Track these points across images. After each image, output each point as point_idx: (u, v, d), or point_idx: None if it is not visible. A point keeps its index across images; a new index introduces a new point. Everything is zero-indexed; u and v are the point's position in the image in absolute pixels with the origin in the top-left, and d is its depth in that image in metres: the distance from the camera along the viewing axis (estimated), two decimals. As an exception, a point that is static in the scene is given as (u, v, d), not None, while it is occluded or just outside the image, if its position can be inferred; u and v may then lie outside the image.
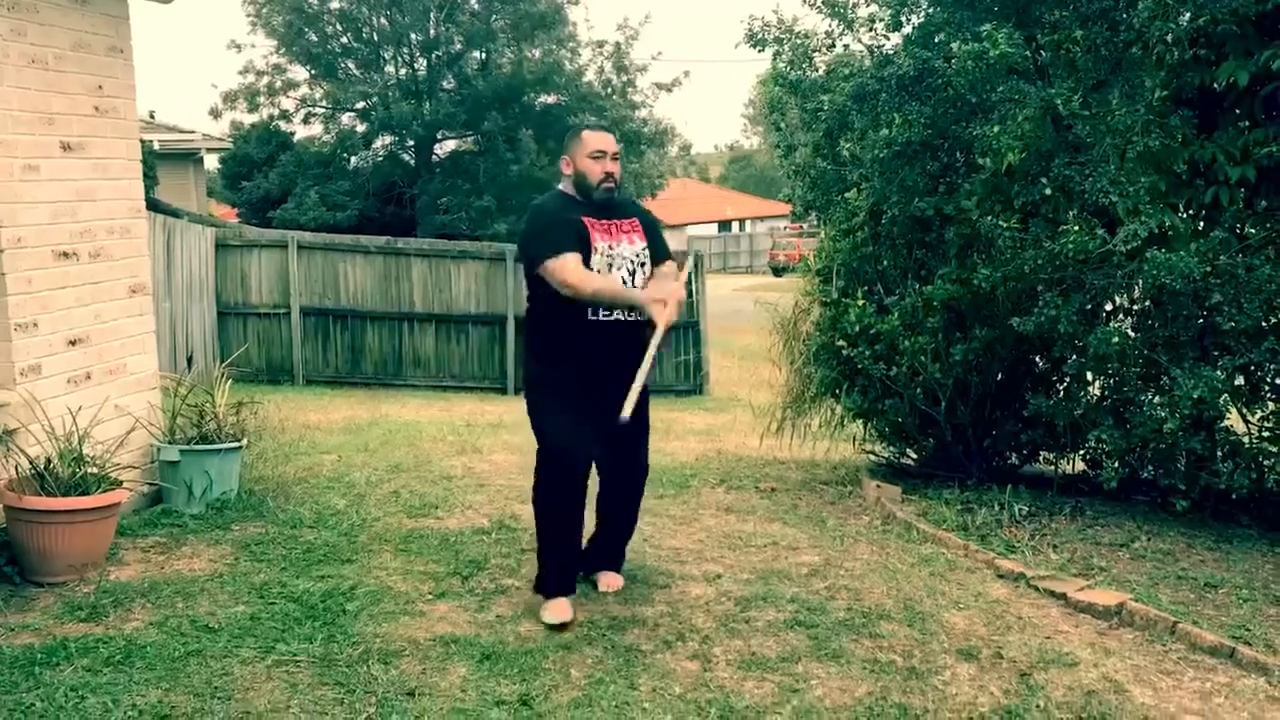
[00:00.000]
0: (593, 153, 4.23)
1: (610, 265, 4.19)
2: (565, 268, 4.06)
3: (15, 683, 3.47)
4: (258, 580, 4.53)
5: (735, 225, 55.92)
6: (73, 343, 5.14)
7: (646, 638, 4.01)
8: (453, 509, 5.86)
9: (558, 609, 4.14)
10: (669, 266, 4.35)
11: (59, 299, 5.05)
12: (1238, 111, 5.57)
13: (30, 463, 4.60)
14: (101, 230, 5.34)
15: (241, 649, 3.80)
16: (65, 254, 5.09)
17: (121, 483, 4.84)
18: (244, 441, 5.89)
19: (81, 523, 4.50)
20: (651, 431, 4.58)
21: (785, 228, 45.43)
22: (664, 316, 4.06)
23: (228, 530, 5.28)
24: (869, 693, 3.60)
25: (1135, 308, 5.92)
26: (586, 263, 4.11)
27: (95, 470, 4.72)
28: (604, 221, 4.23)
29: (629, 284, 4.19)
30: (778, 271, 40.36)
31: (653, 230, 4.37)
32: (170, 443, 5.61)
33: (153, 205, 12.33)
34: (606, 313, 4.14)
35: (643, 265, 4.25)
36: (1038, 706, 3.52)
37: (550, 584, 4.26)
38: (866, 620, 4.24)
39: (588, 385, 4.19)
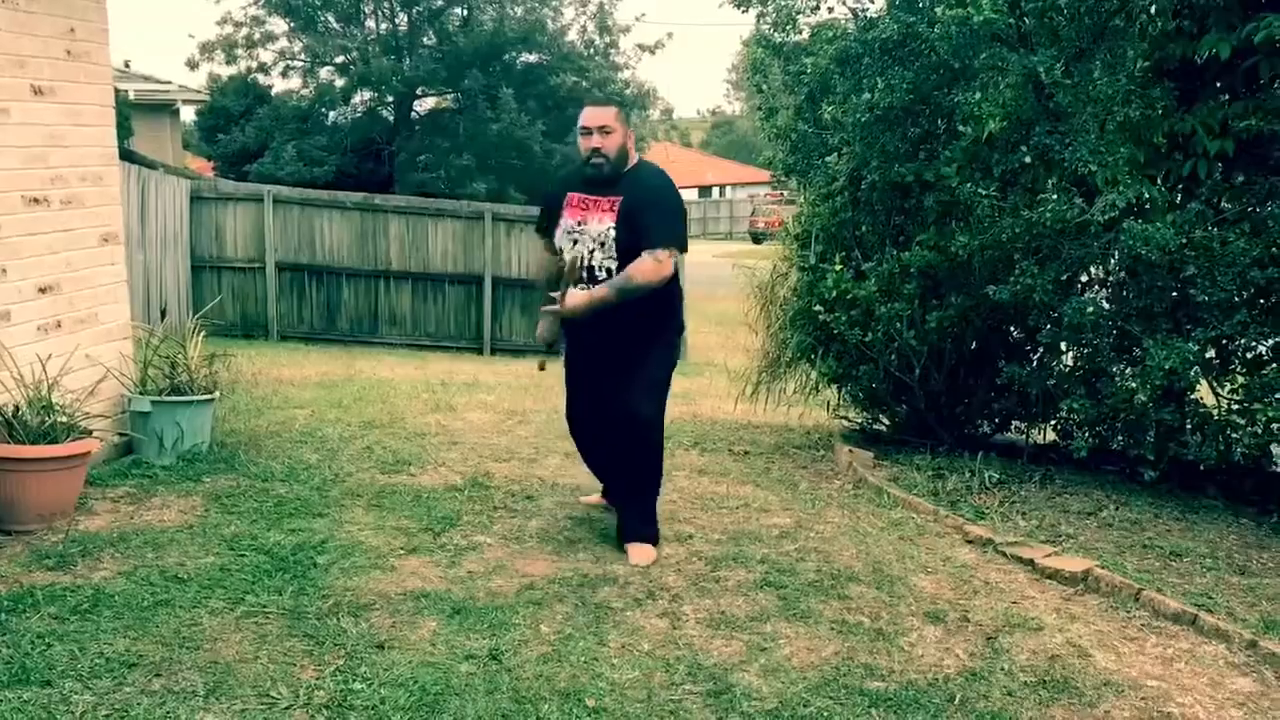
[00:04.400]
0: (580, 129, 4.37)
1: (574, 241, 4.37)
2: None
3: (-19, 629, 3.45)
4: (228, 532, 4.52)
5: (716, 191, 55.77)
6: (43, 290, 5.08)
7: (617, 595, 4.03)
8: (425, 466, 5.85)
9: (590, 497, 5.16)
10: (639, 263, 4.26)
11: (29, 245, 4.98)
12: (1218, 85, 5.57)
13: (-2, 410, 4.56)
14: (73, 177, 5.26)
15: (210, 600, 3.80)
16: (36, 200, 5.02)
17: (91, 432, 4.81)
18: (216, 394, 5.86)
19: (50, 471, 4.47)
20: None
21: (766, 195, 45.33)
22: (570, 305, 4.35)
23: (198, 482, 5.25)
24: (836, 653, 3.63)
25: (1110, 279, 5.95)
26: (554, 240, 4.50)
27: (65, 419, 4.68)
28: (590, 196, 4.37)
29: (586, 261, 4.34)
30: (757, 238, 40.29)
31: (635, 213, 4.29)
32: (142, 393, 5.56)
33: (127, 155, 12.16)
34: (581, 288, 4.36)
35: (602, 244, 4.31)
36: (1002, 669, 3.56)
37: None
38: (835, 582, 4.27)
39: (576, 353, 4.63)
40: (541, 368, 4.77)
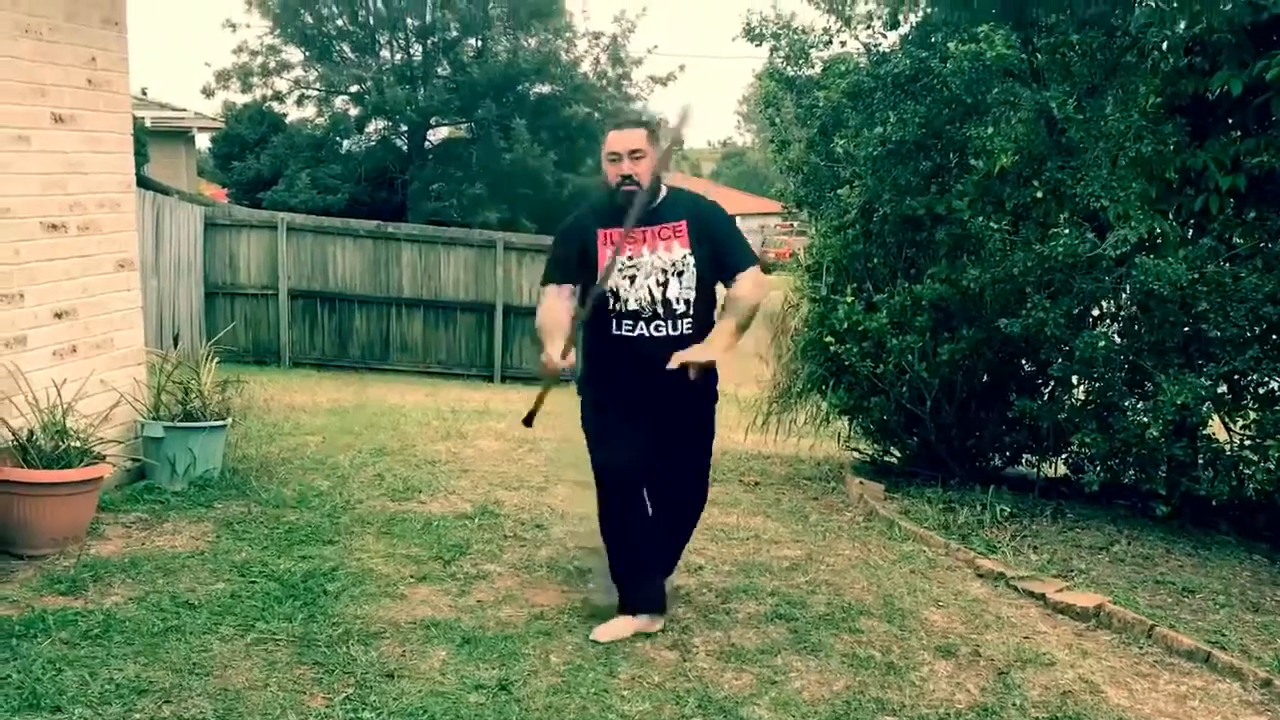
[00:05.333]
0: (609, 155, 3.89)
1: (631, 279, 3.83)
2: (541, 302, 3.95)
3: (-8, 653, 3.46)
4: (239, 559, 4.53)
5: (726, 221, 55.83)
6: (59, 315, 5.12)
7: (627, 626, 4.02)
8: (436, 493, 5.85)
9: (608, 627, 3.94)
10: (742, 284, 3.83)
11: (46, 271, 5.02)
12: (1230, 121, 5.59)
13: (13, 434, 4.58)
14: (91, 203, 5.31)
15: (221, 626, 3.80)
16: (54, 226, 5.06)
17: (104, 457, 4.82)
18: (228, 420, 5.88)
19: (63, 496, 4.49)
20: None
21: (776, 225, 45.40)
22: (550, 365, 3.76)
23: (210, 508, 5.26)
24: (847, 687, 3.61)
25: (1122, 313, 5.95)
26: (593, 279, 3.82)
27: (78, 444, 4.70)
28: (639, 229, 3.82)
29: (661, 296, 3.81)
30: (767, 269, 40.36)
31: (709, 230, 3.88)
32: (155, 419, 5.58)
33: (143, 182, 12.25)
34: (630, 326, 3.85)
35: (680, 275, 3.82)
36: (1014, 705, 3.53)
37: (629, 600, 4.00)
38: (846, 615, 4.25)
39: (622, 403, 3.93)
40: (528, 422, 4.08)
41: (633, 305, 3.84)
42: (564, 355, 3.73)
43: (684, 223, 3.87)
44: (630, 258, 3.84)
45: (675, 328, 3.84)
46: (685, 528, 4.22)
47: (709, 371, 3.85)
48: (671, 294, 3.83)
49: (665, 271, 3.82)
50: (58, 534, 4.48)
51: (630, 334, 3.85)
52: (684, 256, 3.83)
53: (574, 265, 3.93)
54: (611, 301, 3.86)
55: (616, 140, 3.88)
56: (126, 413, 5.54)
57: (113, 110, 5.43)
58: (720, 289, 3.96)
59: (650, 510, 3.99)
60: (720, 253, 3.87)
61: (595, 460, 3.96)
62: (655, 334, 3.84)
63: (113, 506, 5.13)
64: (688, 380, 3.74)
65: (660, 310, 3.83)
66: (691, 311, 3.85)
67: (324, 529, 5.03)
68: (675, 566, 4.32)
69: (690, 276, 3.83)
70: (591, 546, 4.37)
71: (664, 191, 3.94)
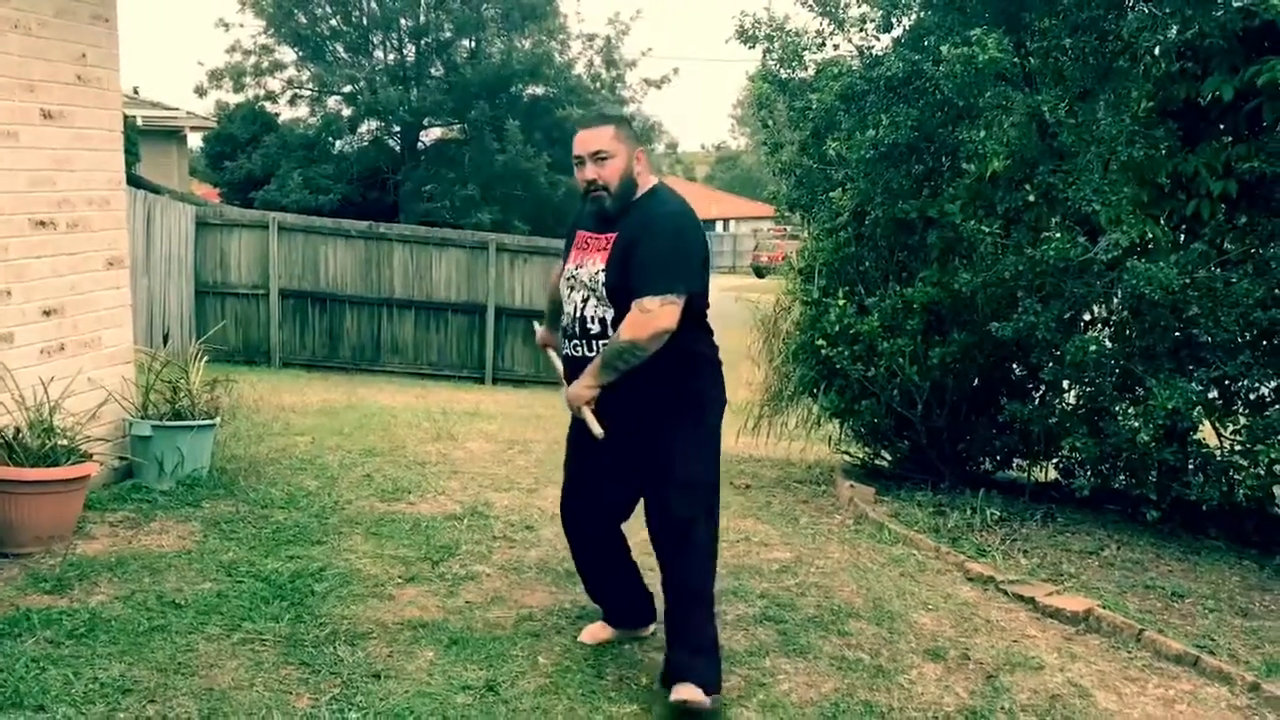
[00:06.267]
0: (574, 159, 3.52)
1: (570, 289, 3.56)
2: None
3: (-25, 652, 3.43)
4: (226, 558, 4.50)
5: (719, 225, 55.92)
6: (47, 313, 5.09)
7: (615, 628, 4.00)
8: (425, 494, 5.83)
9: (592, 630, 3.91)
10: (626, 320, 3.32)
11: (34, 268, 4.99)
12: (1222, 126, 5.60)
13: (-1, 432, 4.55)
14: (80, 201, 5.28)
15: (207, 626, 3.78)
16: (42, 223, 5.03)
17: (91, 455, 4.80)
18: (217, 419, 5.85)
19: (49, 494, 4.46)
20: None
21: (769, 229, 45.44)
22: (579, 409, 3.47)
23: (198, 508, 5.23)
24: (835, 689, 3.60)
25: (1113, 318, 5.95)
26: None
27: (65, 442, 4.68)
28: (594, 234, 3.52)
29: (580, 312, 3.49)
30: (760, 272, 40.37)
31: (633, 246, 3.36)
32: (143, 418, 5.56)
33: (134, 181, 12.22)
34: (573, 346, 3.56)
35: (594, 291, 3.44)
36: (1002, 708, 3.53)
37: (605, 612, 3.95)
38: (835, 618, 4.24)
39: (579, 431, 3.60)
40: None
41: (564, 320, 3.59)
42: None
43: (616, 234, 3.43)
44: (577, 266, 3.52)
45: (591, 348, 3.46)
46: (677, 560, 3.49)
47: (663, 392, 3.42)
48: (588, 312, 3.46)
49: (588, 287, 3.46)
50: (43, 532, 4.45)
51: (565, 351, 3.62)
52: (598, 273, 3.43)
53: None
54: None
55: (579, 141, 3.48)
56: (114, 411, 5.51)
57: (102, 107, 5.40)
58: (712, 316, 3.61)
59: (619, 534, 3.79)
60: (631, 275, 3.33)
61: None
62: (574, 354, 3.54)
63: (100, 505, 5.10)
64: (620, 398, 3.41)
65: (577, 329, 3.51)
66: (609, 334, 3.41)
67: (312, 529, 5.01)
68: (698, 595, 3.48)
69: (602, 294, 3.42)
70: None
71: (643, 190, 3.50)
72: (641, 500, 3.61)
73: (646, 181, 3.51)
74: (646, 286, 3.29)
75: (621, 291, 3.36)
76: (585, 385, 3.41)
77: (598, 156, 3.43)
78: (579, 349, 3.52)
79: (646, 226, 3.38)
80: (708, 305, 3.55)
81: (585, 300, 3.47)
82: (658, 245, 3.34)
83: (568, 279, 3.56)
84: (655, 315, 3.27)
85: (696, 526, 3.46)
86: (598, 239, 3.49)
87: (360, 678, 3.44)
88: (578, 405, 3.44)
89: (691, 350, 3.46)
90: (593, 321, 3.45)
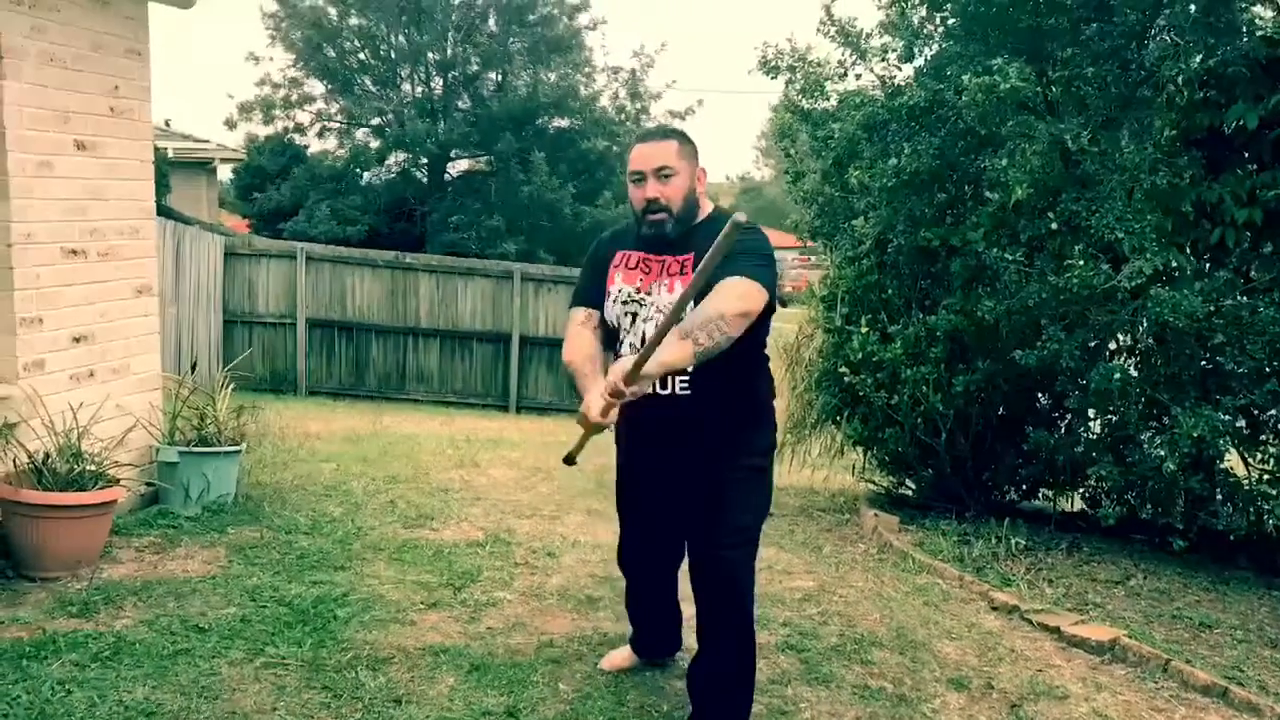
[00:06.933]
0: (632, 174, 3.20)
1: (633, 316, 3.20)
2: (567, 328, 3.34)
3: (2, 674, 3.46)
4: (250, 583, 4.53)
5: (744, 255, 55.97)
6: (77, 340, 5.16)
7: (636, 655, 3.99)
8: (448, 521, 5.85)
9: (614, 656, 3.90)
10: (721, 290, 2.88)
11: (66, 296, 5.07)
12: (1246, 154, 5.58)
13: (29, 457, 4.61)
14: (111, 230, 5.36)
15: (230, 650, 3.80)
16: (74, 251, 5.11)
17: (118, 480, 4.84)
18: (243, 446, 5.90)
19: (76, 519, 4.50)
20: None
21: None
22: (588, 418, 2.91)
23: (223, 533, 5.27)
24: (857, 718, 3.58)
25: (1138, 346, 5.92)
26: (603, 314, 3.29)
27: (93, 467, 4.72)
28: (654, 256, 3.20)
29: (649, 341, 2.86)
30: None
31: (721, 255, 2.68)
32: (170, 444, 5.61)
33: (164, 212, 12.36)
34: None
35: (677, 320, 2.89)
36: (1027, 738, 3.49)
37: (634, 640, 3.91)
38: (858, 647, 4.22)
39: (635, 471, 3.50)
40: (570, 461, 3.27)
41: (625, 349, 3.20)
42: (605, 411, 2.88)
43: (694, 255, 3.10)
44: (637, 290, 3.20)
45: (665, 385, 3.12)
46: (719, 604, 3.26)
47: (730, 427, 3.19)
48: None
49: (664, 313, 3.02)
50: (70, 556, 4.49)
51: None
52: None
53: (593, 287, 3.34)
54: (616, 340, 3.29)
55: (640, 156, 3.15)
56: (142, 437, 5.57)
57: (134, 138, 5.49)
58: (769, 348, 3.35)
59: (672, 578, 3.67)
60: (721, 268, 2.78)
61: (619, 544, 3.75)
62: (658, 391, 3.12)
63: (126, 530, 5.14)
64: (687, 443, 3.20)
65: None
66: (689, 369, 3.03)
67: (335, 555, 5.03)
68: (744, 631, 3.29)
69: None
70: None
71: (703, 215, 3.23)
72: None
73: (705, 205, 3.26)
74: (737, 270, 2.89)
75: None
76: (661, 360, 2.77)
77: (661, 173, 3.13)
78: (663, 386, 3.14)
79: (731, 235, 2.79)
80: (769, 333, 3.31)
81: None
82: (747, 245, 2.93)
83: (626, 302, 3.20)
84: (750, 291, 2.89)
85: (747, 574, 3.27)
86: (662, 261, 3.18)
87: (382, 703, 3.45)
88: (616, 391, 2.81)
89: (760, 391, 3.30)
90: None
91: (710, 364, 2.92)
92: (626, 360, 2.83)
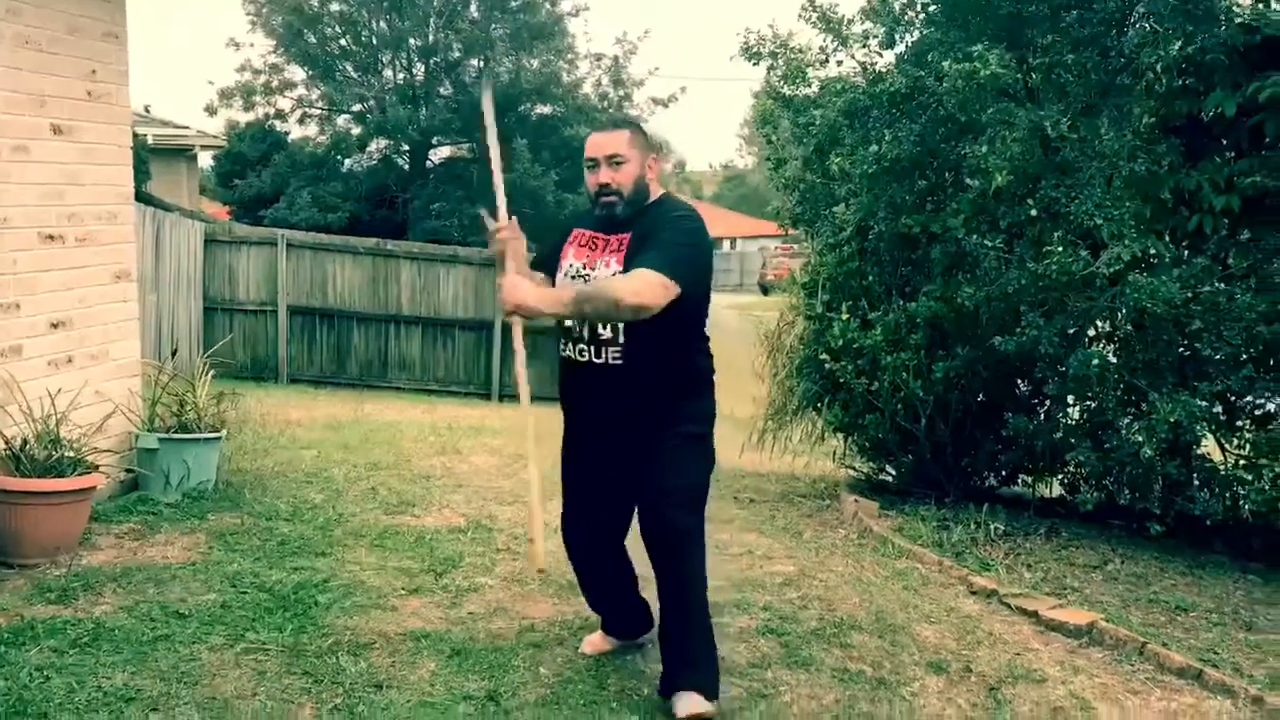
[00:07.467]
0: (586, 161, 3.48)
1: None
2: None
3: (-20, 660, 3.45)
4: (230, 569, 4.52)
5: (726, 243, 55.99)
6: (55, 325, 5.13)
7: (617, 639, 4.01)
8: (429, 507, 5.85)
9: (593, 640, 3.93)
10: (629, 275, 3.23)
11: (43, 281, 5.03)
12: (1224, 141, 5.63)
13: (6, 443, 4.59)
14: (89, 215, 5.33)
15: (211, 636, 3.79)
16: (51, 237, 5.08)
17: (97, 467, 4.82)
18: (223, 433, 5.88)
19: (55, 505, 4.48)
20: None
21: (777, 248, 45.51)
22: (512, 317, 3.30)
23: (203, 520, 5.25)
24: (836, 700, 3.60)
25: (1117, 333, 5.96)
26: (554, 282, 3.50)
27: (71, 454, 4.70)
28: (603, 235, 3.46)
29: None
30: (766, 290, 40.39)
31: (645, 240, 3.30)
32: (149, 430, 5.59)
33: (144, 198, 12.28)
34: (564, 344, 3.48)
35: None
36: (1004, 720, 3.52)
37: (604, 623, 3.98)
38: (838, 630, 4.24)
39: (577, 440, 3.72)
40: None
41: (567, 321, 3.42)
42: (507, 294, 3.21)
43: (629, 234, 3.37)
44: (585, 265, 3.43)
45: (599, 354, 3.37)
46: (675, 569, 3.45)
47: (666, 396, 3.40)
48: None
49: None
50: (49, 543, 4.47)
51: (565, 353, 3.49)
52: (614, 275, 3.30)
53: (550, 257, 3.61)
54: None
55: (594, 144, 3.44)
56: (121, 423, 5.54)
57: (111, 122, 5.45)
58: (712, 327, 3.58)
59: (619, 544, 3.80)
60: (641, 254, 3.25)
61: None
62: (579, 358, 3.43)
63: (105, 517, 5.12)
64: (623, 412, 3.41)
65: (586, 333, 3.38)
66: (622, 340, 3.33)
67: (316, 541, 5.02)
68: (697, 602, 3.48)
69: None
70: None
71: (653, 198, 3.48)
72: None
73: (656, 191, 3.49)
74: (652, 263, 3.19)
75: None
76: (545, 300, 3.21)
77: (613, 160, 3.39)
78: (586, 354, 3.41)
79: (661, 222, 3.35)
80: (707, 315, 3.53)
81: None
82: (672, 236, 3.29)
83: (573, 277, 3.44)
84: (650, 286, 3.15)
85: (693, 535, 3.46)
86: (606, 239, 3.43)
87: (362, 688, 3.45)
88: (515, 306, 3.18)
89: (696, 364, 3.51)
90: (604, 327, 3.35)
91: (640, 335, 3.29)
92: (532, 284, 3.26)
